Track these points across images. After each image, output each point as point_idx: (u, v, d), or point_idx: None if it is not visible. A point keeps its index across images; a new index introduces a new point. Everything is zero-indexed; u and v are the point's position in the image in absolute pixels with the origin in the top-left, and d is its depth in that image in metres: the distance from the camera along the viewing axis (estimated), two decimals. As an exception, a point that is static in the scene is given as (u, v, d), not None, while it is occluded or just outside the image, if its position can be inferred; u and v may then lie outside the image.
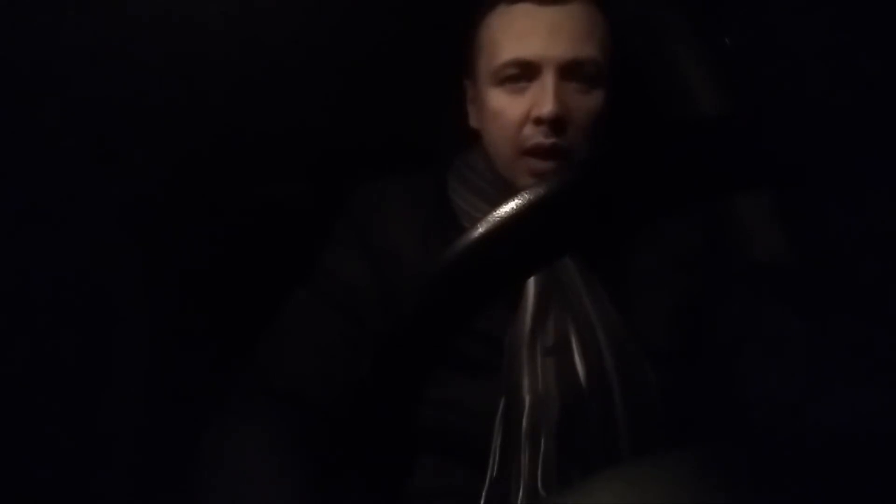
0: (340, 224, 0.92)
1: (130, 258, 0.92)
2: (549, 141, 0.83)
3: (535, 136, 0.84)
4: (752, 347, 0.84)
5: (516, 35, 0.86)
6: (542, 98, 0.83)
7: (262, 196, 1.02)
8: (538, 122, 0.83)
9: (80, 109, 0.89)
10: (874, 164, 0.44)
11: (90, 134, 0.90)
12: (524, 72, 0.85)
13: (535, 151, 0.84)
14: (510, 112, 0.85)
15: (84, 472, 0.84)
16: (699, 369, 0.85)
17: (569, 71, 0.84)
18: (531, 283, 0.84)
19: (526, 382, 0.80)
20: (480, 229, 0.43)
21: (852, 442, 0.46)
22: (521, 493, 0.78)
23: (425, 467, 0.83)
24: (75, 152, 0.89)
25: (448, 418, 0.82)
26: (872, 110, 0.43)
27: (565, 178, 0.43)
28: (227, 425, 0.82)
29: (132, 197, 0.93)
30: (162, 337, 0.92)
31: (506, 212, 0.42)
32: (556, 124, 0.83)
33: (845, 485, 0.43)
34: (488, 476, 0.79)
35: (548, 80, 0.83)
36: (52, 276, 0.85)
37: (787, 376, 0.81)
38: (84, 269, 0.87)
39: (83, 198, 0.89)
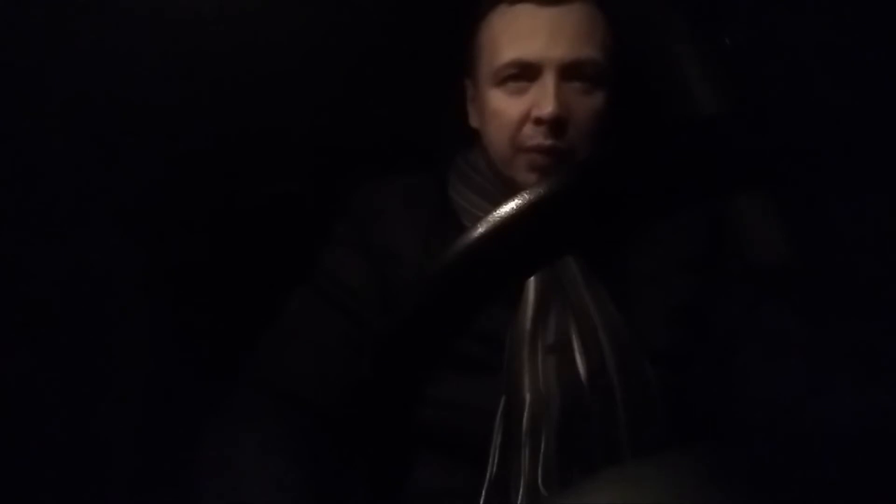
0: (341, 224, 0.92)
1: (130, 258, 0.92)
2: (549, 142, 0.83)
3: (534, 136, 0.84)
4: (751, 347, 0.84)
5: (517, 35, 0.86)
6: (542, 99, 0.83)
7: (263, 196, 1.02)
8: (538, 122, 0.84)
9: (80, 109, 0.89)
10: (874, 164, 0.44)
11: (90, 134, 0.90)
12: (525, 72, 0.85)
13: (533, 151, 0.85)
14: (510, 112, 0.85)
15: (84, 472, 0.84)
16: (699, 369, 0.85)
17: (570, 71, 0.84)
18: (532, 281, 0.84)
19: (527, 380, 0.80)
20: (480, 229, 0.43)
21: (852, 442, 0.46)
22: (521, 492, 0.78)
23: (425, 467, 0.83)
24: (75, 152, 0.89)
25: (448, 418, 0.82)
26: (872, 110, 0.43)
27: (565, 178, 0.43)
28: (228, 425, 0.82)
29: (132, 197, 0.93)
30: (162, 337, 0.92)
31: (505, 211, 0.42)
32: (556, 125, 0.83)
33: (845, 484, 0.43)
34: (488, 474, 0.79)
35: (548, 81, 0.83)
36: (52, 276, 0.85)
37: (787, 376, 0.81)
38: (84, 269, 0.87)
39: (83, 198, 0.89)
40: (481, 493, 0.79)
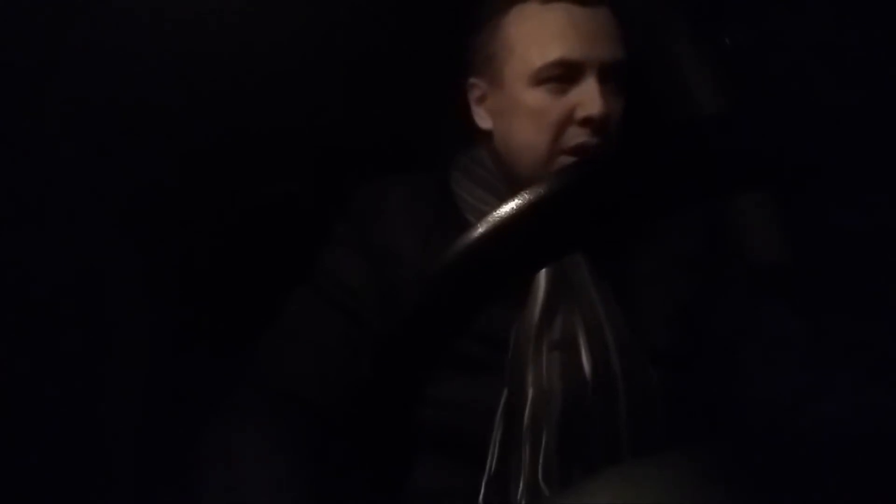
0: (341, 224, 0.92)
1: (130, 258, 0.92)
2: (595, 140, 0.83)
3: (580, 136, 0.84)
4: (751, 347, 0.84)
5: (558, 35, 0.84)
6: (588, 99, 0.83)
7: (263, 196, 1.02)
8: (586, 122, 0.83)
9: (81, 109, 0.89)
10: (874, 164, 0.44)
11: (91, 134, 0.90)
12: (567, 72, 0.84)
13: (578, 151, 0.84)
14: (552, 112, 0.84)
15: (84, 472, 0.84)
16: (700, 369, 0.85)
17: (607, 72, 0.84)
18: (542, 279, 0.84)
19: (530, 377, 0.81)
20: (480, 229, 0.43)
21: (852, 442, 0.46)
22: (521, 488, 0.78)
23: (425, 467, 0.83)
24: (75, 152, 0.89)
25: (448, 418, 0.82)
26: (873, 110, 0.43)
27: (565, 178, 0.43)
28: (228, 425, 0.82)
29: (132, 197, 0.93)
30: (162, 337, 0.92)
31: (506, 211, 0.42)
32: (601, 125, 0.83)
33: (845, 484, 0.43)
34: (487, 470, 0.79)
35: (592, 81, 0.83)
36: (52, 276, 0.85)
37: (787, 376, 0.81)
38: (84, 269, 0.87)
39: (83, 198, 0.89)
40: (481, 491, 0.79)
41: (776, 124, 0.43)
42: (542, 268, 0.81)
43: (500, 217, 0.42)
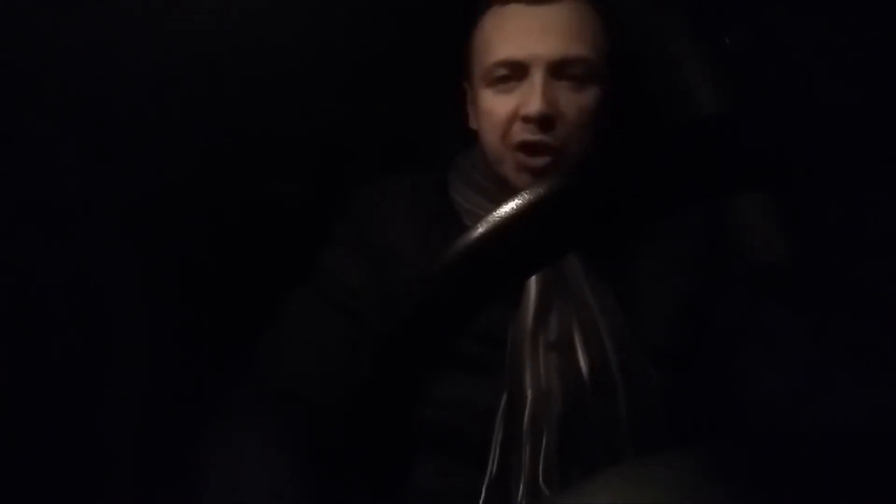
0: (341, 224, 0.92)
1: (130, 258, 0.92)
2: (537, 138, 0.84)
3: (522, 132, 0.84)
4: (751, 347, 0.84)
5: (506, 35, 0.86)
6: (529, 96, 0.84)
7: (263, 196, 1.02)
8: (526, 119, 0.84)
9: (80, 110, 0.89)
10: (874, 164, 0.44)
11: (90, 134, 0.90)
12: (513, 71, 0.85)
13: (523, 148, 0.85)
14: (499, 111, 0.86)
15: (84, 472, 0.84)
16: (699, 368, 0.86)
17: (558, 69, 0.85)
18: (534, 278, 0.84)
19: (528, 378, 0.81)
20: (480, 229, 0.43)
21: (851, 442, 0.46)
22: (521, 489, 0.78)
23: (425, 467, 0.83)
24: (75, 152, 0.89)
25: (448, 418, 0.82)
26: (872, 110, 0.43)
27: (565, 178, 0.43)
28: (228, 425, 0.82)
29: (132, 197, 0.93)
30: (162, 337, 0.92)
31: (506, 211, 0.42)
32: (543, 122, 0.83)
33: (844, 484, 0.43)
34: (488, 472, 0.79)
35: (536, 79, 0.84)
36: (51, 276, 0.85)
37: (787, 376, 0.81)
38: (84, 269, 0.87)
39: (83, 198, 0.89)
40: (481, 492, 0.79)
41: (776, 124, 0.43)
42: (543, 268, 0.81)
43: (500, 217, 0.42)
